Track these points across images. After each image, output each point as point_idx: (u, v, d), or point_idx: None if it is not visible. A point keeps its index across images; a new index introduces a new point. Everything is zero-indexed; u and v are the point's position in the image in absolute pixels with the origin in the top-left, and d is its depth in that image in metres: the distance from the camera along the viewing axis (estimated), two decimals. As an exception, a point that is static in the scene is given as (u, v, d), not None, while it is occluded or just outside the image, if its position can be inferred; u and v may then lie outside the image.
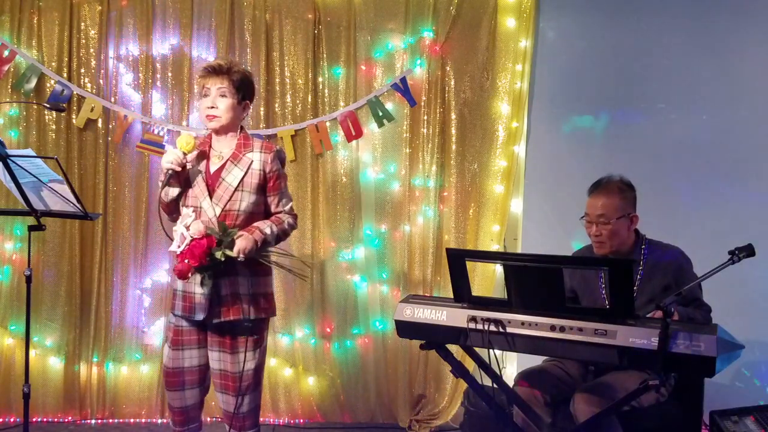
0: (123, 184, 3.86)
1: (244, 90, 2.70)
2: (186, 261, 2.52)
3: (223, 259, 2.54)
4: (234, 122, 2.71)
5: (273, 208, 2.76)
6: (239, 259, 2.56)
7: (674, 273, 2.70)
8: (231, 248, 2.55)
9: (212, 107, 2.66)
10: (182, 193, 2.71)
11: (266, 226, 2.67)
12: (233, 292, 2.66)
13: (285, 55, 3.88)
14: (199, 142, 2.73)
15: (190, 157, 2.66)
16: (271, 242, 2.69)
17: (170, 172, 2.60)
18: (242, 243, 2.56)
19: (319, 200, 3.93)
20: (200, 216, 2.63)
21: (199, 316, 2.66)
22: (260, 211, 2.74)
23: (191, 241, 2.53)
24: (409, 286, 3.94)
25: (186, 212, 2.62)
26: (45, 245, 3.81)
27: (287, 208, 2.78)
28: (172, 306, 2.77)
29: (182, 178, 2.68)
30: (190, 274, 2.56)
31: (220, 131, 2.72)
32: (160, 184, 2.66)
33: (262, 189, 2.71)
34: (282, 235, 2.74)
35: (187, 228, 2.55)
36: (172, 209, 2.74)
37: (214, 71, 2.66)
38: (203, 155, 2.73)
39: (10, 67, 3.75)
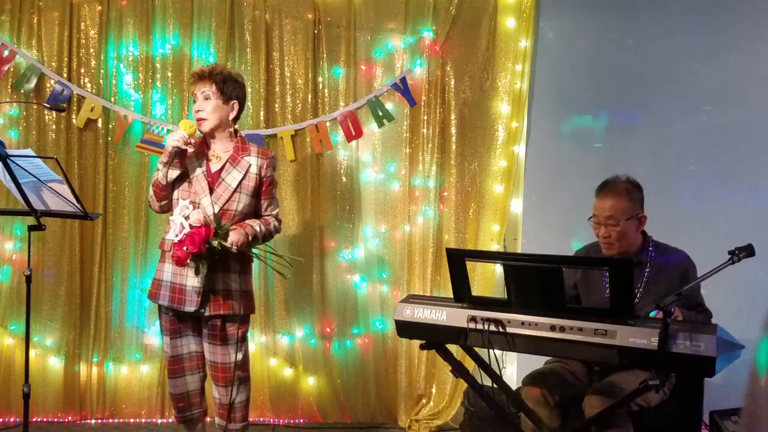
0: (123, 184, 3.85)
1: (229, 90, 2.80)
2: (185, 248, 2.63)
3: (219, 248, 2.67)
4: (222, 122, 2.83)
5: (262, 211, 2.93)
6: (232, 251, 2.70)
7: (680, 277, 2.68)
8: (225, 240, 2.69)
9: (199, 110, 2.78)
10: (179, 179, 2.79)
11: (255, 224, 2.84)
12: (225, 287, 2.79)
13: (285, 55, 3.88)
14: (196, 142, 2.84)
15: (192, 140, 2.78)
16: (259, 239, 2.86)
17: (176, 149, 2.70)
18: (235, 236, 2.72)
19: (319, 200, 3.93)
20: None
21: (189, 308, 2.76)
22: (252, 212, 2.90)
23: (190, 229, 2.64)
24: (409, 286, 3.94)
25: (184, 203, 2.72)
26: (45, 245, 3.80)
27: (275, 213, 2.96)
28: (154, 295, 2.85)
29: (184, 161, 2.77)
30: (187, 261, 2.67)
31: (211, 132, 2.83)
32: (160, 166, 2.76)
33: (256, 192, 2.87)
34: (268, 236, 2.92)
35: (186, 218, 2.66)
36: (167, 194, 2.82)
37: (198, 77, 2.80)
38: (202, 155, 2.84)
39: (10, 67, 3.74)
